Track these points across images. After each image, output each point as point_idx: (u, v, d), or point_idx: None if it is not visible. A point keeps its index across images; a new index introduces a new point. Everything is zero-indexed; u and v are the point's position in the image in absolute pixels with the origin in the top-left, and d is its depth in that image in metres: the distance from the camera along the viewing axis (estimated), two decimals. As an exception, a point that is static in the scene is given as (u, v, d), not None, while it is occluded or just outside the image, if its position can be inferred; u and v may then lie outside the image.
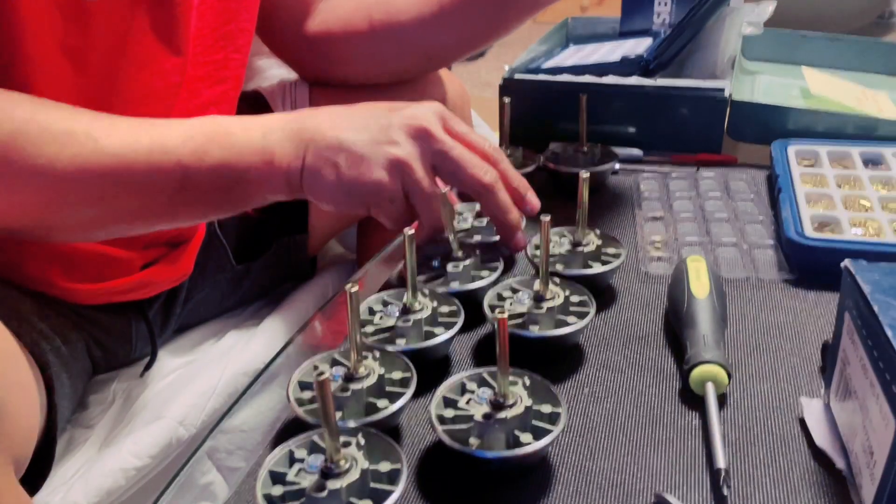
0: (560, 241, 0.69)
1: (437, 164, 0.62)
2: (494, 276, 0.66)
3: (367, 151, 0.60)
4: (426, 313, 0.60)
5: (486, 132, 1.57)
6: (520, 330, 0.58)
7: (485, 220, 0.76)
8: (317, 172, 0.61)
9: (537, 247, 0.68)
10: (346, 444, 0.46)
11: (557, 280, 0.62)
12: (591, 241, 0.68)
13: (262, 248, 0.96)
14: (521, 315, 0.60)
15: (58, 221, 0.60)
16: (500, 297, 0.63)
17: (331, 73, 0.92)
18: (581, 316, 0.59)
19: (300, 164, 0.61)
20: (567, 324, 0.59)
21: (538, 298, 0.60)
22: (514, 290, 0.63)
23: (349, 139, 0.61)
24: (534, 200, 0.67)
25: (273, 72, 1.01)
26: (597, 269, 0.66)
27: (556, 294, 0.60)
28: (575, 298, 0.61)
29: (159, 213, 0.62)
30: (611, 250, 0.69)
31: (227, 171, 0.60)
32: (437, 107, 0.64)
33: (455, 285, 0.66)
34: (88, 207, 0.59)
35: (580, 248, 0.68)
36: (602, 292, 0.68)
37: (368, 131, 0.61)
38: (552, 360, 0.60)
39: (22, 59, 0.62)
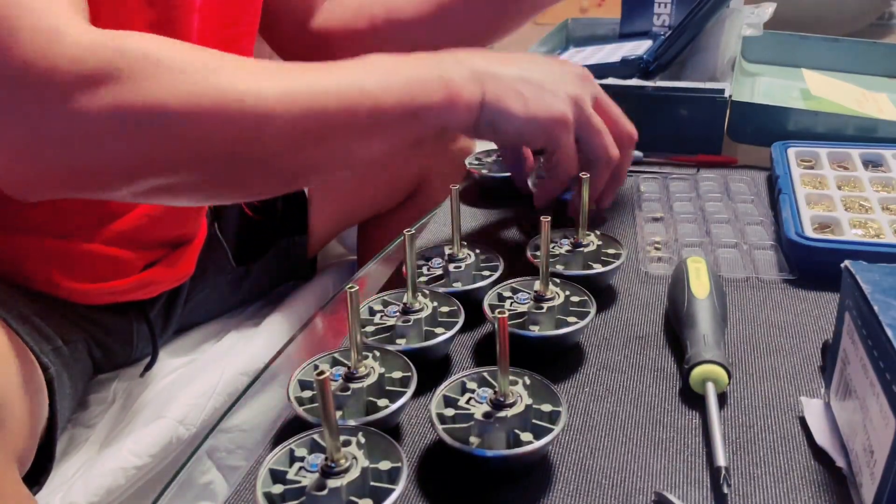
0: (560, 242, 0.70)
1: (583, 132, 0.67)
2: (495, 275, 0.66)
3: (547, 84, 0.64)
4: (426, 313, 0.60)
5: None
6: (520, 330, 0.58)
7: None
8: (501, 103, 0.62)
9: (537, 247, 0.68)
10: (347, 443, 0.46)
11: (557, 280, 0.62)
12: (592, 241, 0.68)
13: (263, 249, 0.96)
14: (521, 315, 0.60)
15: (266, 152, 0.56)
16: (501, 297, 0.63)
17: None
18: (581, 316, 0.59)
19: (480, 97, 0.62)
20: (567, 324, 0.59)
21: (538, 298, 0.60)
22: (515, 290, 0.63)
23: (528, 73, 0.64)
24: (607, 201, 0.77)
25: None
26: (597, 269, 0.66)
27: (557, 294, 0.60)
28: (575, 298, 0.62)
29: (355, 149, 0.60)
30: (611, 251, 0.69)
31: (410, 102, 0.59)
32: (584, 74, 0.70)
33: (457, 286, 0.66)
34: (293, 146, 0.56)
35: (580, 249, 0.68)
36: (602, 292, 0.68)
37: (539, 70, 0.65)
38: (552, 360, 0.60)
39: None
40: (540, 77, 0.65)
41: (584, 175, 0.65)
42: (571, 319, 0.59)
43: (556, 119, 0.64)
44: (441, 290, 0.64)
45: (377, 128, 0.59)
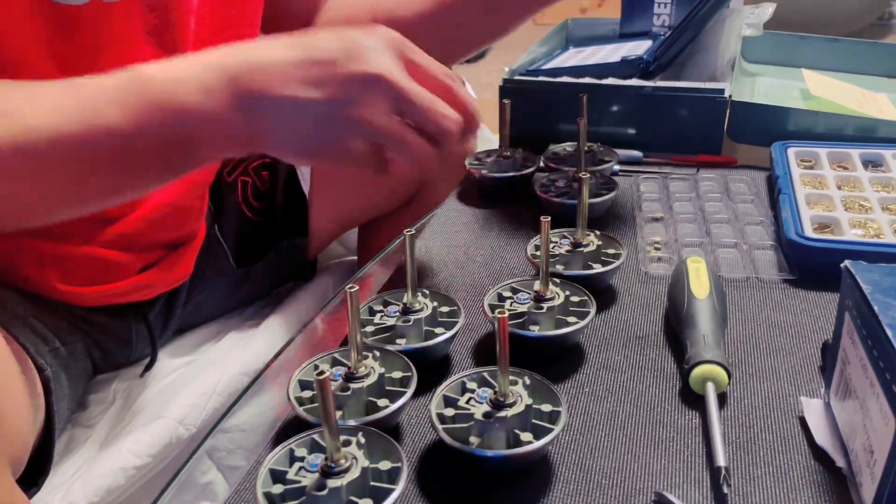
0: (560, 242, 0.70)
1: (400, 110, 0.56)
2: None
3: (324, 109, 0.54)
4: (426, 313, 0.60)
5: (487, 135, 1.58)
6: (520, 330, 0.58)
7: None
8: (269, 134, 0.55)
9: (537, 247, 0.68)
10: (347, 443, 0.46)
11: (557, 280, 0.62)
12: (592, 241, 0.68)
13: (263, 250, 0.96)
14: (521, 315, 0.60)
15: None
16: (501, 297, 0.63)
17: None
18: (581, 316, 0.59)
19: (247, 127, 0.54)
20: (567, 324, 0.59)
21: (538, 298, 0.60)
22: (515, 291, 0.63)
23: (303, 97, 0.54)
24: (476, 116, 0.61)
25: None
26: (597, 269, 0.66)
27: (557, 294, 0.60)
28: (575, 298, 0.62)
29: (102, 186, 0.56)
30: (611, 250, 0.69)
31: (167, 132, 0.53)
32: (392, 37, 0.57)
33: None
34: (28, 188, 0.54)
35: (580, 249, 0.68)
36: (602, 292, 0.69)
37: (322, 86, 0.54)
38: (552, 360, 0.60)
39: (8, 66, 0.62)
40: (321, 101, 0.54)
41: (585, 175, 0.65)
42: (571, 319, 0.59)
43: (335, 154, 0.56)
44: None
45: (134, 168, 0.55)
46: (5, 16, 0.60)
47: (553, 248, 0.68)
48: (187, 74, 0.54)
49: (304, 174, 0.99)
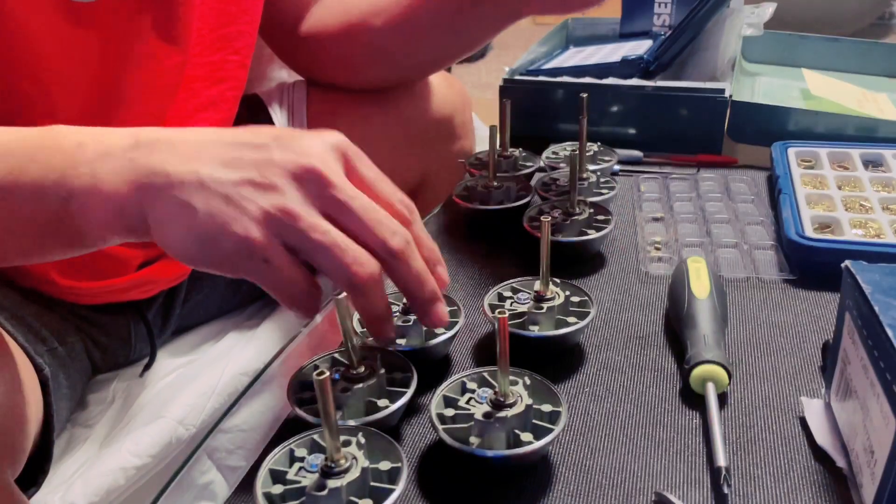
0: (553, 213, 0.74)
1: (332, 215, 0.47)
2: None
3: (232, 194, 0.45)
4: None
5: (485, 134, 1.57)
6: (520, 330, 0.58)
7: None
8: (161, 217, 0.45)
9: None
10: (347, 443, 0.46)
11: (557, 281, 0.62)
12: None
13: None
14: (521, 315, 0.60)
15: None
16: (501, 297, 0.63)
17: (318, 75, 0.93)
18: (581, 316, 0.59)
19: (139, 204, 0.45)
20: (567, 324, 0.59)
21: (539, 298, 0.60)
22: (515, 290, 0.63)
23: (209, 176, 0.45)
24: (444, 275, 0.54)
25: (276, 74, 1.01)
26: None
27: (557, 294, 0.60)
28: (575, 299, 0.61)
29: None
30: (601, 217, 0.74)
31: (44, 198, 0.45)
32: (338, 140, 0.49)
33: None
34: None
35: (574, 218, 0.72)
36: (602, 293, 0.69)
37: (238, 168, 0.46)
38: (553, 360, 0.60)
39: (23, 64, 0.62)
40: (230, 182, 0.45)
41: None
42: (571, 320, 0.59)
43: (232, 247, 0.45)
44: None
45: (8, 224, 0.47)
46: (19, 14, 0.60)
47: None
48: (95, 139, 0.46)
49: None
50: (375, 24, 0.84)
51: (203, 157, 0.46)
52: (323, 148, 0.48)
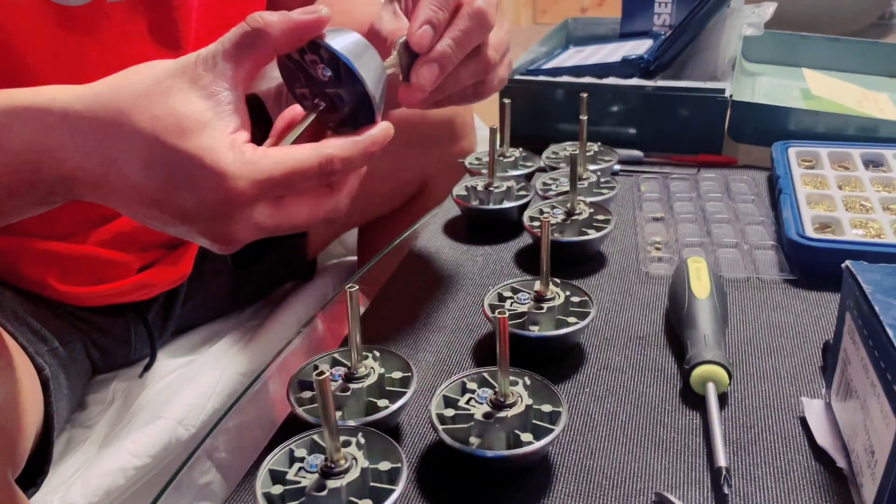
0: (553, 213, 0.73)
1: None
2: None
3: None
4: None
5: (486, 133, 1.57)
6: (520, 330, 0.58)
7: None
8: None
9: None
10: (346, 444, 0.46)
11: (558, 281, 0.62)
12: (584, 210, 0.71)
13: (261, 251, 0.96)
14: (521, 315, 0.60)
15: None
16: (501, 297, 0.63)
17: None
18: (581, 316, 0.59)
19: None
20: (567, 324, 0.59)
21: (539, 298, 0.60)
22: (515, 291, 0.63)
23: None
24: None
25: (275, 73, 1.01)
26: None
27: (557, 294, 0.60)
28: (576, 299, 0.61)
29: None
30: (601, 217, 0.73)
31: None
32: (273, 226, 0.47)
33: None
34: None
35: (574, 218, 0.72)
36: (601, 292, 0.69)
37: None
38: (553, 360, 0.60)
39: (13, 69, 0.62)
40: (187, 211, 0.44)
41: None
42: (571, 320, 0.59)
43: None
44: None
45: None
46: (8, 18, 0.60)
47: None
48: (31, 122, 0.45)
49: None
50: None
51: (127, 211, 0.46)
52: (251, 236, 0.46)
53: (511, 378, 0.50)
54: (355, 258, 1.11)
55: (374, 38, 0.58)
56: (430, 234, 0.83)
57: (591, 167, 0.84)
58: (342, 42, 0.48)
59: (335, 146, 0.47)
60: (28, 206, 0.48)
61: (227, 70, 0.46)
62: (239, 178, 0.43)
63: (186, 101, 0.44)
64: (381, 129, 0.49)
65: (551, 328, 0.59)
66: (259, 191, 0.44)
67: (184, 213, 0.44)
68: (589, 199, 0.76)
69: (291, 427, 0.54)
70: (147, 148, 0.43)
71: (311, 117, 0.49)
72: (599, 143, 0.90)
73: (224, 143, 0.44)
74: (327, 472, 0.44)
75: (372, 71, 0.48)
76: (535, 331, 0.59)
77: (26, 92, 0.46)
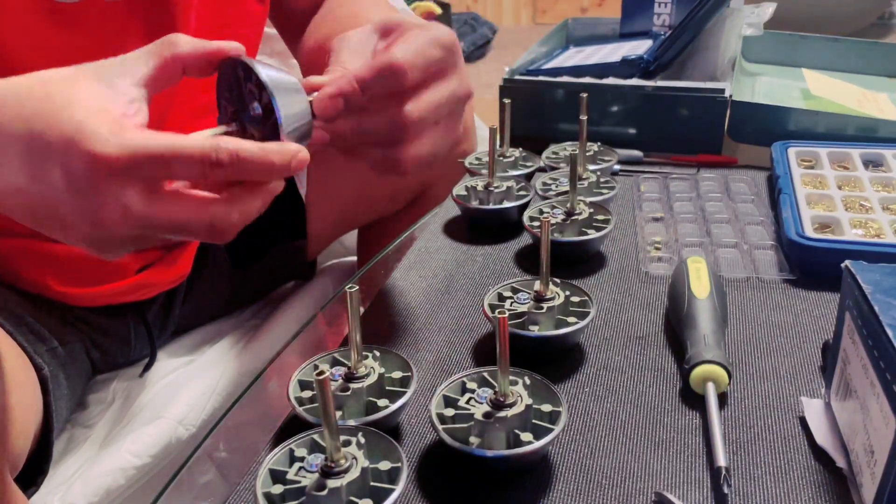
0: (553, 213, 0.74)
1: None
2: None
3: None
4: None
5: (486, 133, 1.57)
6: (520, 330, 0.58)
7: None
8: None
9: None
10: (347, 443, 0.46)
11: (558, 281, 0.62)
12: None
13: (261, 252, 0.96)
14: (521, 315, 0.60)
15: None
16: (501, 297, 0.63)
17: None
18: (581, 316, 0.59)
19: None
20: (567, 324, 0.59)
21: (538, 298, 0.60)
22: (515, 290, 0.63)
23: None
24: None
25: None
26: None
27: (557, 294, 0.60)
28: (575, 299, 0.61)
29: None
30: (601, 217, 0.73)
31: None
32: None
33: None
34: None
35: (574, 218, 0.72)
36: (601, 292, 0.69)
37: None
38: (553, 360, 0.60)
39: (8, 66, 0.62)
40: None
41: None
42: (571, 319, 0.59)
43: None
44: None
45: None
46: (2, 15, 0.60)
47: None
48: None
49: (301, 177, 0.99)
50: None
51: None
52: (120, 223, 0.43)
53: (511, 378, 0.50)
54: (355, 258, 1.11)
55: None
56: (430, 234, 0.83)
57: (591, 167, 0.84)
58: (274, 77, 0.47)
59: (227, 139, 0.43)
60: None
61: (134, 67, 0.46)
62: (108, 143, 0.40)
63: (86, 86, 0.43)
64: (292, 148, 0.45)
65: (551, 328, 0.59)
66: (129, 162, 0.41)
67: (55, 195, 0.42)
68: (589, 199, 0.76)
69: (291, 427, 0.54)
70: (25, 127, 0.42)
71: (221, 129, 0.49)
72: (599, 143, 0.90)
73: (103, 116, 0.42)
74: (327, 472, 0.44)
75: (291, 109, 0.47)
76: (535, 330, 0.59)
77: None
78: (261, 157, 0.44)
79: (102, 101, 0.43)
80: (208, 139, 0.43)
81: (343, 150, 0.53)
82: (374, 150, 0.52)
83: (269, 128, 0.48)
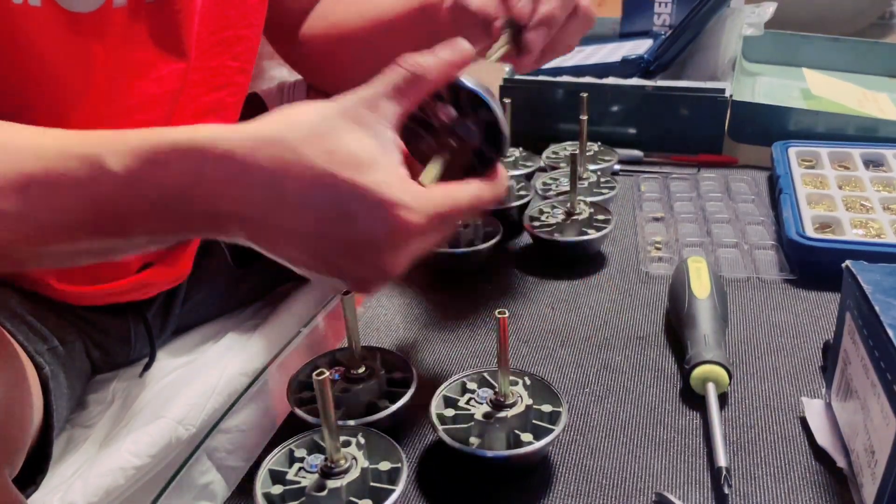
0: (553, 213, 0.75)
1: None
2: None
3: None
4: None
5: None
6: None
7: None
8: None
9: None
10: (346, 444, 0.46)
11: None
12: (584, 210, 0.74)
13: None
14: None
15: None
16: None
17: (312, 79, 0.93)
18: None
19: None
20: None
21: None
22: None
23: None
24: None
25: (273, 72, 1.01)
26: (591, 235, 0.72)
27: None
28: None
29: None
30: (601, 217, 0.75)
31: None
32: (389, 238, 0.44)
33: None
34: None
35: (574, 218, 0.74)
36: (601, 292, 0.69)
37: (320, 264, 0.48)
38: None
39: (31, 75, 0.62)
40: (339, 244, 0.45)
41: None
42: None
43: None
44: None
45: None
46: (28, 24, 0.60)
47: (547, 218, 0.75)
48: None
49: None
50: (357, 26, 0.83)
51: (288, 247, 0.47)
52: (402, 270, 0.46)
53: (511, 378, 0.50)
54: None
55: (462, 12, 0.65)
56: (430, 233, 0.82)
57: (591, 167, 0.84)
58: (472, 81, 0.50)
59: (480, 187, 0.48)
60: (162, 240, 0.47)
61: (388, 111, 0.46)
62: (415, 212, 0.43)
63: (357, 138, 0.44)
64: (505, 174, 0.51)
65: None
66: (430, 225, 0.44)
67: (348, 246, 0.44)
68: (589, 199, 0.76)
69: (291, 427, 0.54)
70: (320, 182, 0.43)
71: (444, 158, 0.49)
72: (599, 143, 0.90)
73: (396, 178, 0.44)
74: (327, 472, 0.44)
75: (499, 105, 0.50)
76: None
77: (183, 130, 0.45)
78: (498, 194, 0.49)
79: (387, 160, 0.45)
80: (472, 192, 0.47)
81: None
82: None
83: (482, 129, 0.49)
